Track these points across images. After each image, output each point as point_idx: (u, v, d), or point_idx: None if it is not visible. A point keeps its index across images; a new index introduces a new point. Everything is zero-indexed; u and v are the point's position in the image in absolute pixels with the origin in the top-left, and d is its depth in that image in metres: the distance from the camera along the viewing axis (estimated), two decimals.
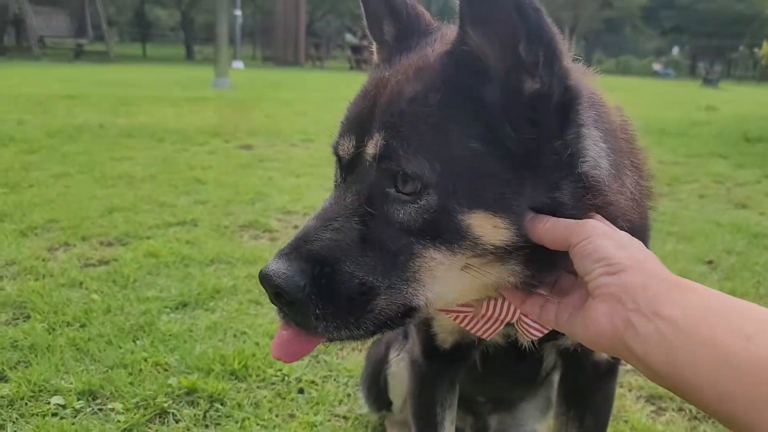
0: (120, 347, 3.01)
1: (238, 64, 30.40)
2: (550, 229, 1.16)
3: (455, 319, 1.48)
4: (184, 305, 3.53)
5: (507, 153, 1.16)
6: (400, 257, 1.17)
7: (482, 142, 1.16)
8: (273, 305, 1.22)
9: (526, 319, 1.40)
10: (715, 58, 59.57)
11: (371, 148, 1.21)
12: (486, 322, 1.45)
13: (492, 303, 1.39)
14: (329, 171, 5.07)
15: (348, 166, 1.30)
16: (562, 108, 1.17)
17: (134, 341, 3.08)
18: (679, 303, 0.98)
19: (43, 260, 4.06)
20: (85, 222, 4.78)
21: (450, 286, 1.22)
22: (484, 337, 1.47)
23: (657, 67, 54.80)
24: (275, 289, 1.16)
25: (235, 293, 3.73)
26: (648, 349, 0.99)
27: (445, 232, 1.15)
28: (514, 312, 1.39)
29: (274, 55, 41.41)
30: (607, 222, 1.19)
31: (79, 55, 31.57)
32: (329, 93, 16.19)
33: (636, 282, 1.04)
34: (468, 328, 1.47)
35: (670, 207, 6.20)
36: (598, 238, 1.11)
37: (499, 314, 1.40)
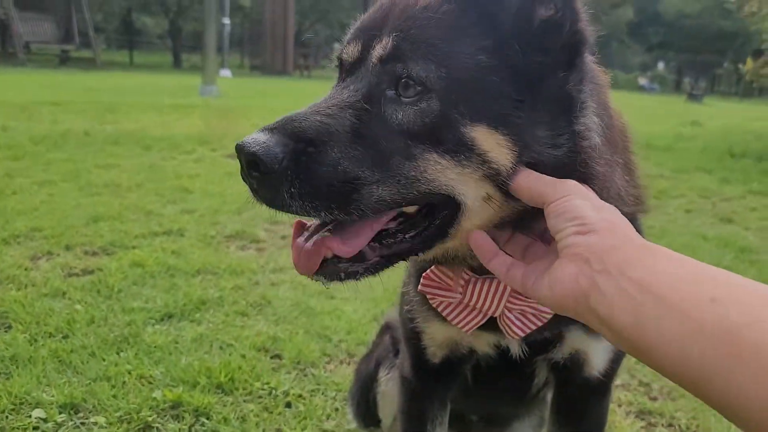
0: (103, 359, 2.96)
1: (225, 73, 30.32)
2: (531, 182, 1.17)
3: (438, 305, 1.47)
4: (169, 316, 3.48)
5: (514, 73, 1.18)
6: (395, 157, 1.16)
7: (490, 57, 1.17)
8: (244, 181, 1.17)
9: (509, 314, 1.40)
10: (700, 74, 60.30)
11: (379, 50, 1.22)
12: (469, 313, 1.45)
13: (476, 291, 1.39)
14: None
15: (350, 69, 1.31)
16: (569, 48, 1.21)
17: (118, 353, 3.03)
18: (648, 267, 0.97)
19: (26, 269, 3.99)
20: (69, 231, 4.71)
21: (473, 196, 1.20)
22: (465, 329, 1.47)
23: (643, 81, 55.30)
24: (250, 157, 1.11)
25: (222, 305, 3.68)
26: (613, 311, 0.97)
27: (447, 141, 1.16)
28: (498, 304, 1.39)
29: (262, 63, 41.38)
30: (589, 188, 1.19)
31: (64, 61, 31.33)
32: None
33: (606, 243, 1.03)
34: (450, 318, 1.46)
35: (658, 221, 6.23)
36: (575, 198, 1.11)
37: (483, 304, 1.40)
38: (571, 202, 1.10)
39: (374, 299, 3.85)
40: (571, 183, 1.15)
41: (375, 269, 1.25)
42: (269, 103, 16.17)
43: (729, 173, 9.34)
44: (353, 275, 1.23)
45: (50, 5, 34.73)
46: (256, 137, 1.13)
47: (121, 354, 3.02)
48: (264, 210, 1.21)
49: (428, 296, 1.48)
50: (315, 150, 1.14)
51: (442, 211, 1.25)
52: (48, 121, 10.29)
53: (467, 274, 1.40)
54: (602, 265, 1.00)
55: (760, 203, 7.38)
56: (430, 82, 1.16)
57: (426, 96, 1.17)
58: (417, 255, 1.30)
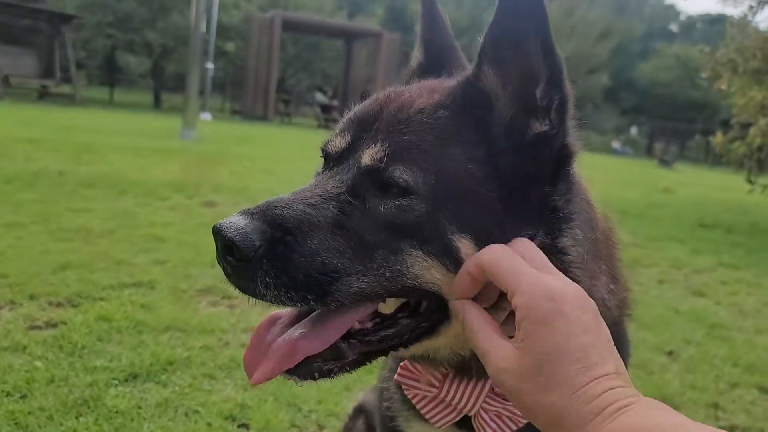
0: (62, 424, 2.83)
1: (206, 116, 30.37)
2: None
3: (413, 397, 1.43)
4: (134, 377, 3.36)
5: (503, 185, 1.19)
6: (379, 250, 1.15)
7: (481, 167, 1.19)
8: (219, 264, 1.15)
9: (483, 415, 1.36)
10: (671, 139, 62.15)
11: (367, 158, 1.21)
12: (444, 409, 1.40)
13: (453, 387, 1.35)
14: None
15: (337, 160, 1.30)
16: (558, 161, 1.23)
17: (77, 417, 2.90)
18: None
19: None
20: (34, 279, 4.56)
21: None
22: (436, 424, 1.42)
23: (616, 145, 56.78)
24: (227, 242, 1.09)
25: (189, 366, 3.57)
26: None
27: (434, 242, 1.15)
28: (474, 403, 1.35)
29: (243, 108, 41.59)
30: None
31: (43, 96, 31.18)
32: (297, 151, 16.19)
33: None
34: (423, 411, 1.42)
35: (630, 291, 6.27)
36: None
37: (458, 401, 1.36)
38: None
39: None
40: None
41: (351, 367, 1.22)
42: (249, 150, 16.18)
43: (700, 244, 9.50)
44: (328, 374, 1.20)
45: (33, 40, 34.74)
46: (235, 221, 1.11)
47: (81, 419, 2.88)
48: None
49: (403, 387, 1.44)
50: (294, 239, 1.12)
51: (428, 308, 1.23)
52: (21, 159, 10.13)
53: (445, 368, 1.37)
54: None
55: (730, 277, 7.48)
56: (417, 187, 1.16)
57: (410, 196, 1.16)
58: (395, 350, 1.26)
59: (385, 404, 1.62)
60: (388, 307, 1.25)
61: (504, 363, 1.02)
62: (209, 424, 2.97)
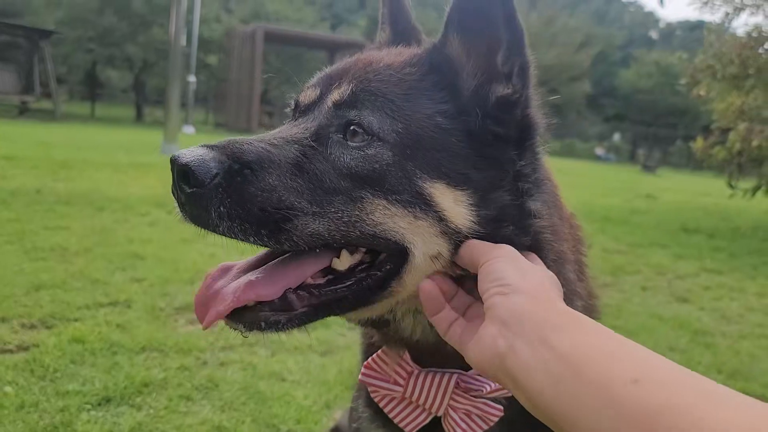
0: None
1: (189, 129, 30.18)
2: (470, 248, 1.17)
3: (379, 400, 1.39)
4: (107, 401, 3.27)
5: (472, 138, 1.20)
6: (338, 196, 1.15)
7: (449, 120, 1.20)
8: (173, 194, 1.14)
9: (453, 414, 1.33)
10: (654, 145, 62.77)
11: (336, 95, 1.24)
12: (412, 410, 1.37)
13: (418, 384, 1.33)
14: None
15: (304, 111, 1.32)
16: (521, 128, 1.25)
17: None
18: (569, 336, 0.95)
19: None
20: (7, 300, 4.45)
21: (422, 252, 1.18)
22: (407, 428, 1.38)
23: (599, 151, 57.24)
24: (182, 168, 1.07)
25: (165, 387, 3.48)
26: (529, 378, 0.95)
27: (402, 192, 1.15)
28: (441, 401, 1.32)
29: (226, 121, 41.42)
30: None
31: (23, 112, 30.84)
32: None
33: (525, 307, 1.02)
34: (391, 414, 1.38)
35: (614, 299, 6.26)
36: (500, 260, 1.11)
37: (425, 400, 1.33)
38: (497, 263, 1.10)
39: (326, 383, 3.70)
40: (506, 248, 1.15)
41: (300, 320, 1.18)
42: None
43: (683, 249, 9.53)
44: (275, 325, 1.16)
45: (13, 56, 34.46)
46: (194, 150, 1.11)
47: None
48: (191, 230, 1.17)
49: (369, 388, 1.41)
50: (251, 173, 1.11)
51: (386, 262, 1.21)
52: None
53: (410, 365, 1.34)
54: (521, 328, 0.99)
55: (713, 282, 7.50)
56: (383, 133, 1.17)
57: (375, 144, 1.17)
58: (348, 310, 1.23)
59: (354, 425, 1.57)
60: (342, 264, 1.22)
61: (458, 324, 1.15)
62: None
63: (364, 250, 1.22)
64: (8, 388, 3.25)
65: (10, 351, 3.75)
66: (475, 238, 1.18)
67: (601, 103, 69.14)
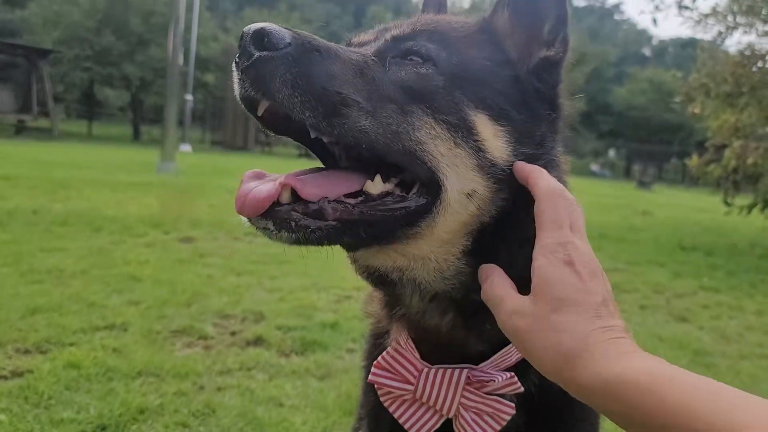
0: None
1: (186, 148, 30.26)
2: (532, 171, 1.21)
3: (389, 403, 1.35)
4: (102, 429, 3.23)
5: (517, 85, 1.29)
6: (391, 105, 1.18)
7: (497, 65, 1.29)
8: (236, 65, 1.15)
9: (464, 414, 1.30)
10: (648, 161, 63.03)
11: (395, 31, 1.32)
12: (423, 413, 1.33)
13: (429, 382, 1.30)
14: (273, 269, 4.89)
15: (358, 45, 1.38)
16: (552, 99, 1.34)
17: None
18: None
19: None
20: (2, 325, 4.41)
21: (456, 188, 1.19)
22: None
23: (595, 167, 57.52)
24: (259, 30, 1.10)
25: (162, 414, 3.44)
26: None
27: (449, 113, 1.19)
28: (452, 399, 1.29)
29: (223, 139, 41.54)
30: None
31: (20, 131, 30.90)
32: None
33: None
34: (400, 419, 1.34)
35: None
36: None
37: (435, 399, 1.30)
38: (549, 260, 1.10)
39: (325, 408, 3.67)
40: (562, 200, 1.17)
41: (328, 233, 1.14)
42: (228, 182, 16.05)
43: (680, 267, 9.53)
44: (304, 229, 1.12)
45: (10, 75, 34.58)
46: (267, 23, 1.13)
47: None
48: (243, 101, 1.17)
49: (378, 389, 1.37)
50: (320, 56, 1.14)
51: (418, 192, 1.21)
52: None
53: (420, 362, 1.32)
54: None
55: (711, 300, 7.49)
56: (438, 60, 1.24)
57: (429, 66, 1.23)
58: (373, 238, 1.20)
59: None
60: (375, 189, 1.21)
61: (517, 306, 1.07)
62: None
63: (396, 181, 1.22)
64: (2, 416, 3.21)
65: (5, 377, 3.71)
66: (510, 176, 1.22)
67: (596, 119, 69.50)
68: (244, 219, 1.15)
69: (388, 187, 1.22)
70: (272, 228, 1.12)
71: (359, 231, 1.17)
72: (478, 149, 1.19)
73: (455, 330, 1.30)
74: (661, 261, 9.89)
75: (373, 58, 1.24)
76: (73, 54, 39.41)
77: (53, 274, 5.87)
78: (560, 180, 1.30)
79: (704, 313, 6.85)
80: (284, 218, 1.12)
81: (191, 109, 35.22)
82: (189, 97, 33.35)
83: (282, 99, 1.10)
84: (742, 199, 12.87)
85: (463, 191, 1.19)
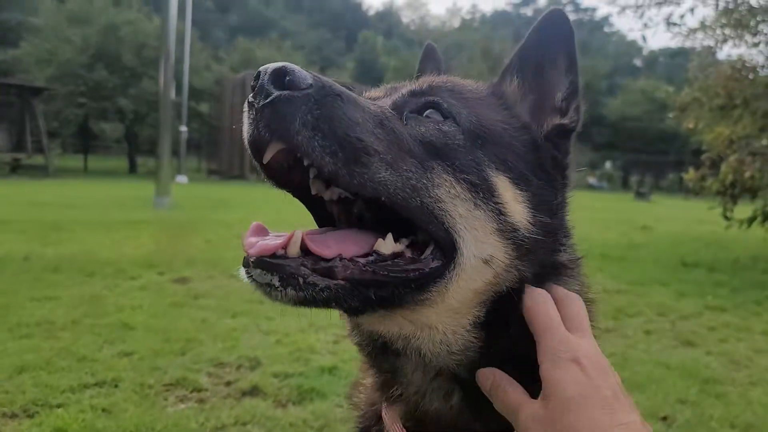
0: None
1: (181, 179, 30.26)
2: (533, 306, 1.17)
3: None
4: None
5: (534, 149, 1.27)
6: (411, 159, 1.12)
7: (514, 129, 1.27)
8: (249, 106, 1.07)
9: None
10: (645, 171, 63.10)
11: (412, 86, 1.29)
12: None
13: None
14: (268, 309, 4.71)
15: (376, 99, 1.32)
16: (563, 169, 1.33)
17: None
18: None
19: None
20: None
21: (473, 253, 1.13)
22: None
23: (592, 180, 57.54)
24: (281, 68, 1.05)
25: None
26: None
27: (470, 172, 1.15)
28: None
29: (219, 168, 41.53)
30: None
31: (15, 169, 30.89)
32: (273, 213, 16.02)
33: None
34: None
35: (618, 346, 6.09)
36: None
37: None
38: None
39: None
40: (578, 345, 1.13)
41: (337, 294, 1.04)
42: (224, 214, 15.96)
43: (684, 286, 9.40)
44: (312, 287, 1.02)
45: (4, 114, 34.67)
46: (287, 63, 1.08)
47: None
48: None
49: None
50: (341, 102, 1.08)
51: (431, 259, 1.13)
52: None
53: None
54: None
55: (717, 321, 7.34)
56: (458, 117, 1.20)
57: (450, 123, 1.19)
58: (383, 301, 1.09)
59: None
60: (387, 248, 1.13)
61: (534, 412, 1.05)
62: None
63: (407, 242, 1.15)
64: None
65: None
66: (531, 241, 1.17)
67: (591, 132, 69.69)
68: (243, 274, 1.07)
69: (400, 247, 1.14)
70: (277, 284, 1.03)
71: (369, 293, 1.07)
72: (498, 212, 1.14)
73: (460, 416, 1.20)
74: (664, 280, 9.75)
75: (390, 110, 1.19)
76: (66, 90, 39.56)
77: (42, 327, 5.72)
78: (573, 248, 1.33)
79: (711, 336, 6.70)
80: (292, 273, 1.02)
81: (186, 140, 35.27)
82: (184, 128, 33.47)
83: (300, 141, 1.02)
84: (743, 208, 12.71)
85: (481, 256, 1.12)
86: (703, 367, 5.60)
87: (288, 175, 1.14)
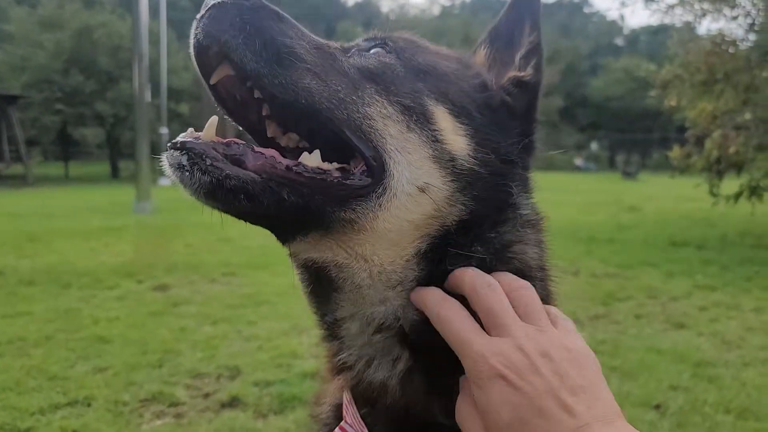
0: None
1: (164, 181, 29.82)
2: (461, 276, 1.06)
3: None
4: None
5: (483, 90, 1.22)
6: (343, 78, 1.10)
7: (462, 74, 1.23)
8: (192, 29, 1.07)
9: None
10: (631, 149, 63.26)
11: (365, 36, 1.26)
12: None
13: None
14: (251, 314, 4.49)
15: None
16: (526, 119, 1.26)
17: None
18: None
19: None
20: None
21: (406, 178, 1.06)
22: None
23: (579, 161, 57.64)
24: None
25: None
26: None
27: (405, 97, 1.11)
28: None
29: None
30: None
31: None
32: None
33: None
34: None
35: (609, 332, 5.97)
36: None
37: None
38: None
39: None
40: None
41: (245, 184, 0.99)
42: (206, 217, 15.63)
43: (673, 265, 9.31)
44: (218, 171, 0.99)
45: None
46: None
47: None
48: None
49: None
50: (275, 15, 1.10)
51: (360, 176, 1.07)
52: None
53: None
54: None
55: (707, 300, 7.25)
56: (404, 54, 1.18)
57: (394, 58, 1.17)
58: (298, 208, 1.02)
59: None
60: (311, 161, 1.06)
61: (488, 350, 0.94)
62: None
63: (336, 166, 1.07)
64: None
65: None
66: (471, 175, 1.09)
67: (575, 113, 69.75)
68: (164, 161, 1.05)
69: (328, 165, 1.07)
70: (185, 163, 1.00)
71: (282, 192, 1.01)
72: (434, 139, 1.09)
73: (411, 392, 1.07)
74: (653, 261, 9.66)
75: (336, 46, 1.19)
76: (42, 97, 38.88)
77: (14, 345, 5.52)
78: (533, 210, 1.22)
79: (702, 317, 6.60)
80: (200, 153, 0.99)
81: (167, 142, 34.86)
82: (164, 130, 32.94)
83: (228, 37, 1.03)
84: (728, 185, 12.64)
85: (416, 183, 1.05)
86: (694, 350, 5.49)
87: (244, 112, 1.16)
